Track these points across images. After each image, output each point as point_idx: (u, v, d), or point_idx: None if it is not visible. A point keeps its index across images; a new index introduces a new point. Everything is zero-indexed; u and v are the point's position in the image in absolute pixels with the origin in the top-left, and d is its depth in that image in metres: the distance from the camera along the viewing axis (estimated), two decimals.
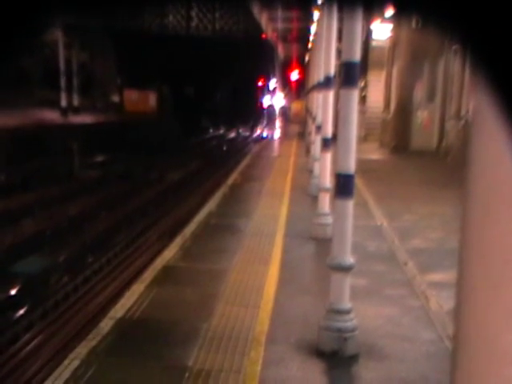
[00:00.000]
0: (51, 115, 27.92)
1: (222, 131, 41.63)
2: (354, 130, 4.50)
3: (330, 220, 7.66)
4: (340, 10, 6.34)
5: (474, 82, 1.16)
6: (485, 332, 1.27)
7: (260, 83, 55.81)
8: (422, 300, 5.70)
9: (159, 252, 8.52)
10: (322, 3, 10.94)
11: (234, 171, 17.97)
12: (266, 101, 53.63)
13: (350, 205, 4.51)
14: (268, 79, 53.91)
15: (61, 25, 30.86)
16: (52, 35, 32.09)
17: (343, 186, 4.54)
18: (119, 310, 5.30)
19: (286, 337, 4.77)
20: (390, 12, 19.13)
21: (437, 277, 6.29)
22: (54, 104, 30.24)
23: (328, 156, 8.23)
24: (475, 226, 1.27)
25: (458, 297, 1.33)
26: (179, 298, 5.66)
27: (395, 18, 19.59)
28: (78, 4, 0.84)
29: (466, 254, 1.30)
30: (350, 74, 4.51)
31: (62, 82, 30.77)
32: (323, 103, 8.67)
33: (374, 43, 23.70)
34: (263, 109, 53.00)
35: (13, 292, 9.35)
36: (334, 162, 5.12)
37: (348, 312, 4.51)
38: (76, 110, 31.83)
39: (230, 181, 14.28)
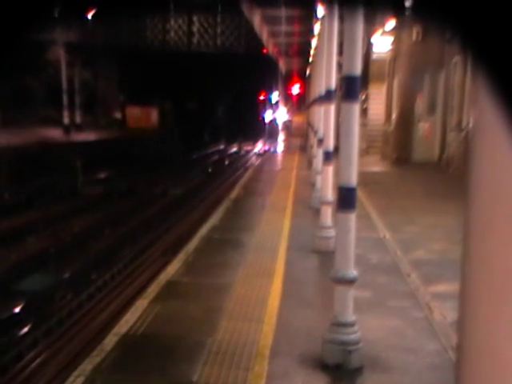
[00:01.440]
0: (54, 133, 28.05)
1: (224, 146, 41.71)
2: (355, 144, 4.52)
3: (332, 233, 7.66)
4: (341, 21, 6.36)
5: (475, 93, 1.17)
6: (489, 343, 1.27)
7: (262, 97, 55.96)
8: (425, 311, 5.70)
9: (163, 267, 8.53)
10: (323, 16, 11.02)
11: (237, 185, 18.00)
12: (268, 115, 53.65)
13: (352, 217, 4.52)
14: (270, 93, 54.03)
15: (63, 43, 31.14)
16: (55, 54, 32.34)
17: (345, 198, 4.55)
18: (123, 326, 5.30)
19: (290, 350, 4.77)
20: (390, 24, 19.24)
21: (440, 288, 6.29)
22: (56, 122, 30.40)
23: (330, 169, 8.26)
24: (477, 238, 1.27)
25: (461, 308, 1.33)
26: (183, 313, 5.66)
27: (397, 26, 19.66)
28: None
29: (468, 265, 1.30)
30: (350, 88, 4.54)
31: (65, 99, 30.93)
32: (325, 117, 8.71)
33: (374, 56, 23.79)
34: (265, 123, 53.00)
35: (17, 309, 9.35)
36: (336, 174, 5.14)
37: (352, 324, 4.51)
38: (79, 128, 31.96)
39: (233, 195, 14.30)
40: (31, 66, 32.38)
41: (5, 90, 29.44)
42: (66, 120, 30.84)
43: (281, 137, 42.34)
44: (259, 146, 42.79)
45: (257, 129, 50.57)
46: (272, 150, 33.07)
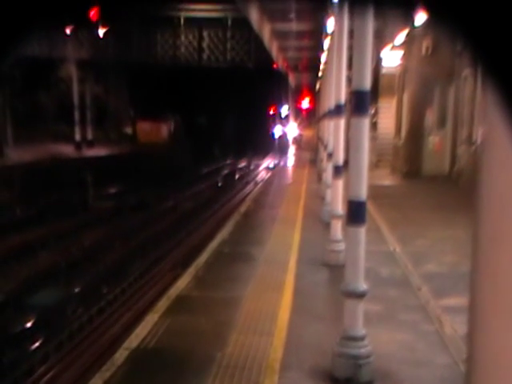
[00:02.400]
0: (65, 149, 28.26)
1: (233, 160, 41.77)
2: (365, 158, 4.52)
3: (342, 246, 7.66)
4: (351, 35, 6.38)
5: (485, 106, 1.18)
6: (499, 356, 1.27)
7: (272, 112, 55.98)
8: (436, 325, 5.67)
9: (173, 281, 8.54)
10: (332, 31, 11.08)
11: (247, 199, 18.01)
12: (278, 129, 53.64)
13: (362, 231, 4.52)
14: (279, 108, 54.03)
15: (75, 60, 31.44)
16: (67, 71, 32.67)
17: (355, 212, 4.56)
18: (133, 340, 5.31)
19: (300, 364, 4.76)
20: (400, 38, 19.28)
21: (451, 301, 6.26)
22: (68, 137, 30.63)
23: (340, 183, 8.27)
24: (486, 251, 1.28)
25: (471, 321, 1.33)
26: (193, 327, 5.66)
27: (407, 40, 19.69)
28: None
29: (477, 278, 1.31)
30: (360, 103, 4.56)
31: (76, 116, 31.20)
32: (334, 131, 8.73)
33: (384, 70, 23.83)
34: (275, 138, 52.97)
35: (28, 324, 9.39)
36: (346, 188, 5.15)
37: (362, 338, 4.49)
38: (90, 143, 32.19)
39: (243, 208, 14.32)
40: (43, 83, 32.71)
41: (17, 107, 29.74)
42: (77, 135, 31.08)
43: (291, 151, 42.31)
44: (269, 160, 42.82)
45: (267, 143, 50.58)
46: (282, 163, 33.08)
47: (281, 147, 46.32)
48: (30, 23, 0.84)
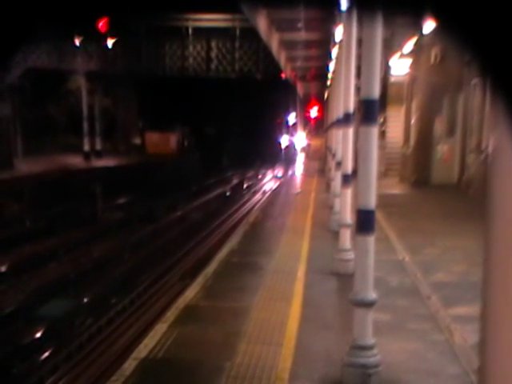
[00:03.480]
0: (74, 160, 28.39)
1: (242, 170, 41.79)
2: (374, 167, 4.51)
3: (351, 255, 7.62)
4: (359, 44, 6.38)
5: (494, 115, 1.18)
6: (510, 367, 1.26)
7: (279, 121, 55.89)
8: (446, 334, 5.63)
9: (181, 291, 8.54)
10: (341, 40, 11.09)
11: (255, 208, 18.00)
12: (285, 139, 53.46)
13: (371, 240, 4.50)
14: (287, 117, 53.93)
15: (84, 72, 31.64)
16: (76, 82, 32.88)
17: (364, 221, 4.54)
18: (142, 350, 5.31)
19: (310, 374, 4.73)
20: (408, 47, 19.29)
21: (461, 310, 6.22)
22: (77, 149, 30.78)
23: (348, 192, 8.25)
24: (498, 260, 1.27)
25: (483, 331, 1.32)
26: (202, 337, 5.65)
27: (415, 48, 19.69)
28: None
29: (489, 288, 1.29)
30: (369, 112, 4.55)
31: (85, 127, 31.35)
32: (343, 140, 8.72)
33: (392, 79, 23.82)
34: (282, 148, 52.78)
35: (38, 335, 9.41)
36: (355, 197, 5.14)
37: (371, 347, 4.47)
38: (99, 154, 32.33)
39: (252, 218, 14.31)
40: (53, 95, 32.92)
41: (27, 119, 29.94)
42: (86, 147, 31.22)
43: (299, 160, 42.21)
44: (277, 170, 42.82)
45: (275, 153, 50.53)
46: (290, 173, 33.07)
47: (288, 157, 46.16)
48: (39, 34, 0.84)
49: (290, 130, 53.09)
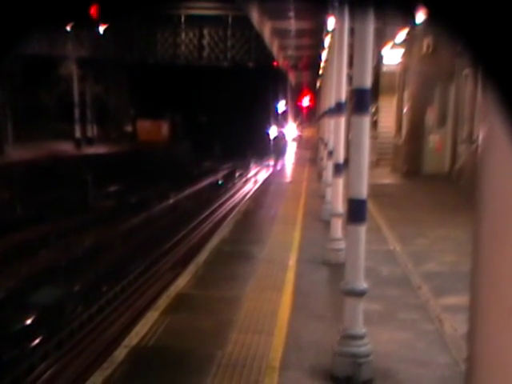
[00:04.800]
0: (65, 147, 28.25)
1: (234, 159, 41.64)
2: (365, 156, 4.52)
3: (342, 245, 7.64)
4: (351, 33, 6.36)
5: (485, 105, 1.18)
6: (499, 355, 1.27)
7: (268, 111, 54.59)
8: (436, 324, 5.67)
9: (173, 280, 8.54)
10: (333, 29, 11.06)
11: (247, 197, 18.01)
12: (274, 130, 52.54)
13: (362, 230, 4.51)
14: (277, 105, 52.99)
15: (75, 58, 31.42)
16: (67, 69, 32.65)
17: (355, 211, 4.55)
18: (134, 338, 5.31)
19: (300, 363, 4.75)
20: (401, 37, 19.27)
21: (451, 300, 6.25)
22: (68, 136, 30.62)
23: (340, 181, 8.25)
24: (486, 250, 1.27)
25: (471, 320, 1.33)
26: (193, 326, 5.66)
27: (408, 38, 19.67)
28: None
29: (477, 277, 1.30)
30: (361, 101, 4.55)
31: (76, 114, 31.18)
32: (335, 129, 8.72)
33: (384, 68, 23.81)
34: (271, 139, 51.73)
35: (28, 322, 9.39)
36: (346, 187, 5.14)
37: (362, 337, 4.49)
38: (90, 141, 32.18)
39: (243, 207, 14.31)
40: (44, 81, 32.69)
41: (17, 105, 29.73)
42: (77, 134, 31.07)
43: (290, 151, 41.92)
44: (270, 159, 42.70)
45: (264, 144, 49.72)
46: (281, 163, 32.98)
47: (278, 149, 45.55)
48: (30, 21, 0.84)
49: (280, 119, 52.10)
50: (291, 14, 19.95)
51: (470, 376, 1.35)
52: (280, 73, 40.91)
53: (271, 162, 38.58)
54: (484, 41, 0.79)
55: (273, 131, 51.24)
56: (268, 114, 52.17)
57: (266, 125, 51.87)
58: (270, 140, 49.97)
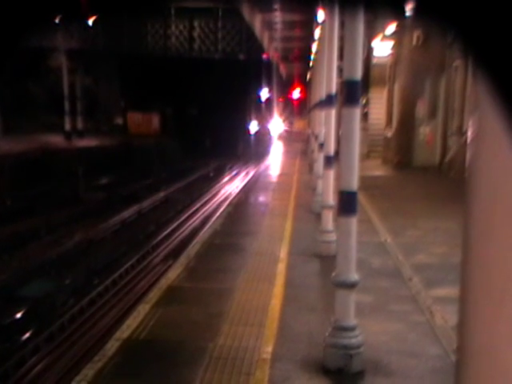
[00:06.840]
0: (55, 139, 28.08)
1: (224, 151, 41.37)
2: (356, 148, 4.52)
3: (333, 237, 7.65)
4: (342, 26, 6.35)
5: (476, 97, 1.18)
6: (488, 345, 1.27)
7: (248, 103, 50.23)
8: (427, 315, 5.69)
9: (164, 272, 8.53)
10: (324, 21, 11.03)
11: (238, 190, 17.99)
12: (254, 125, 46.24)
13: (353, 222, 4.52)
14: (259, 98, 49.21)
15: (65, 50, 31.21)
16: (57, 60, 32.43)
17: (346, 203, 4.56)
18: (125, 331, 5.30)
19: (292, 355, 4.76)
20: (391, 29, 19.27)
21: (442, 292, 6.28)
22: (58, 128, 30.44)
23: (331, 173, 8.26)
24: (476, 241, 1.28)
25: (461, 311, 1.33)
26: (184, 318, 5.66)
27: (398, 30, 19.67)
28: None
29: (467, 268, 1.30)
30: (351, 93, 4.54)
31: (66, 106, 30.97)
32: (325, 121, 8.71)
33: (375, 60, 23.82)
34: (250, 134, 45.82)
35: (19, 315, 9.36)
36: (337, 179, 5.14)
37: (353, 329, 4.50)
38: (80, 134, 32.01)
39: (234, 200, 14.31)
40: (33, 73, 32.48)
41: (7, 97, 29.52)
42: (67, 126, 30.88)
43: (274, 150, 39.21)
44: (261, 153, 42.24)
45: (245, 139, 46.41)
46: (271, 157, 31.99)
47: (258, 148, 39.94)
48: (22, 13, 0.82)
49: (263, 112, 46.73)
50: (280, 5, 19.91)
51: (461, 367, 1.36)
52: (270, 64, 40.62)
53: (263, 157, 36.70)
54: (475, 30, 0.78)
55: (253, 126, 46.53)
56: (247, 106, 47.24)
57: (245, 118, 46.98)
58: (249, 136, 45.47)
